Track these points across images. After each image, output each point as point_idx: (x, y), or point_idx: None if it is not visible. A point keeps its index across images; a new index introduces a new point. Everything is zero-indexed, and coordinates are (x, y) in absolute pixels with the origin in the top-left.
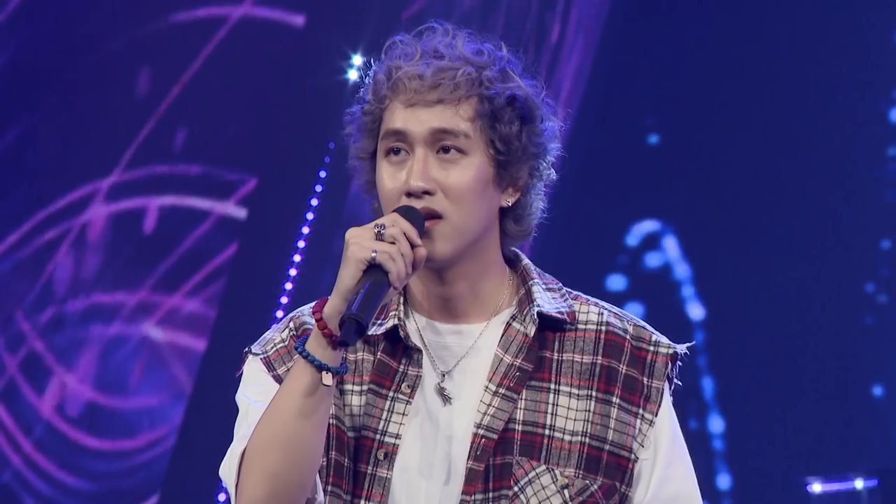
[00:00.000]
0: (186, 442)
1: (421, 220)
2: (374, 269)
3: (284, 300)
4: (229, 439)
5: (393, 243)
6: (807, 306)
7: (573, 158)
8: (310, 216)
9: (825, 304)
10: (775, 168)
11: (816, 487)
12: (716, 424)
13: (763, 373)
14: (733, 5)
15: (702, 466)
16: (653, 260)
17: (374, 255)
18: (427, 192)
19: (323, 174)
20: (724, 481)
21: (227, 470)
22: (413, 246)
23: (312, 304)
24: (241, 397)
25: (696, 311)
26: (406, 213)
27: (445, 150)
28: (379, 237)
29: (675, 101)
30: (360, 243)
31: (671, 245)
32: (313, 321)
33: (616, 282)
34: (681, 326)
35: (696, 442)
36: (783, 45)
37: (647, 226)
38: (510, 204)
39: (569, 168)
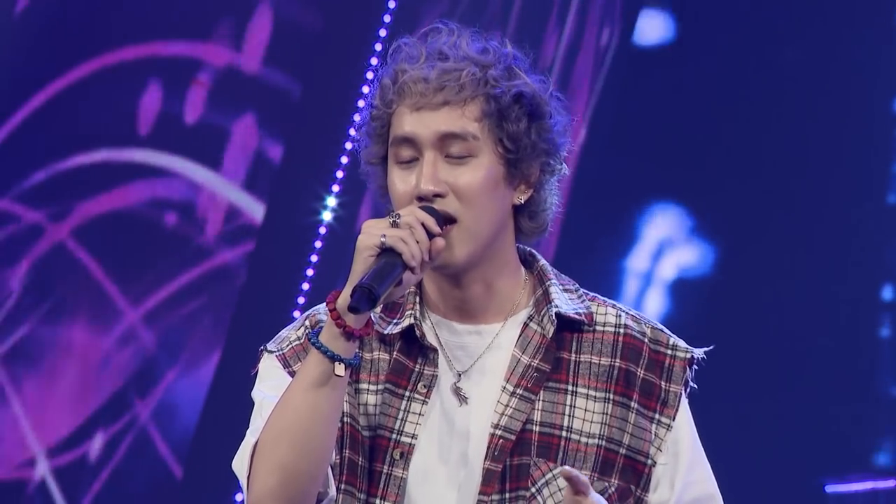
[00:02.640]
0: (202, 442)
1: (441, 217)
2: (386, 254)
3: (301, 300)
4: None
5: (408, 230)
6: (827, 306)
7: (591, 158)
8: (327, 216)
9: (841, 303)
10: (797, 167)
11: (833, 489)
12: (730, 425)
13: (778, 373)
14: (754, 4)
15: (717, 467)
16: (669, 260)
17: (383, 239)
18: (438, 195)
19: (340, 174)
20: (740, 482)
21: (240, 462)
22: (431, 236)
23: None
24: (256, 393)
25: (712, 311)
26: (425, 209)
27: (455, 153)
28: (394, 226)
29: (688, 103)
30: (370, 232)
31: (687, 245)
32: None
33: (632, 282)
34: (694, 328)
35: (709, 443)
36: (805, 42)
37: (661, 228)
38: (523, 201)
39: (586, 166)
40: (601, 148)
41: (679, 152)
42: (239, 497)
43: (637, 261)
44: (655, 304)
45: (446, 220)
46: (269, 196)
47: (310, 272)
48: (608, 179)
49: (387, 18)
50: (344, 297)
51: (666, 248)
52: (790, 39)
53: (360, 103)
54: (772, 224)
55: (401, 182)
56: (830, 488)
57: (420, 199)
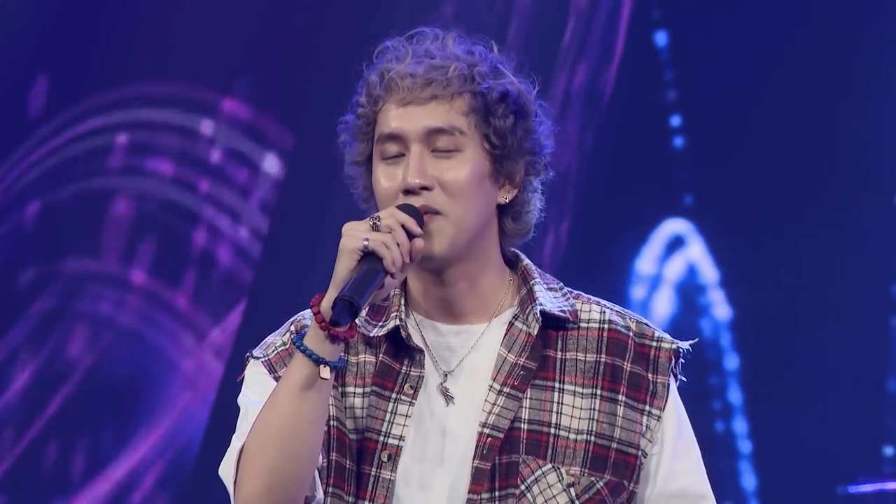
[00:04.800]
0: (210, 448)
1: (419, 216)
2: (368, 258)
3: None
4: None
5: (389, 233)
6: (836, 307)
7: (599, 159)
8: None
9: (854, 304)
10: (803, 168)
11: (843, 490)
12: (742, 426)
13: (791, 374)
14: (762, 6)
15: (728, 468)
16: (678, 261)
17: (365, 243)
18: (425, 188)
19: None
20: (750, 483)
21: (227, 467)
22: (412, 237)
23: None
24: (242, 398)
25: (722, 313)
26: (405, 209)
27: (441, 147)
28: (374, 228)
29: (702, 103)
30: (352, 234)
31: (697, 246)
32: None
33: (641, 283)
34: (703, 330)
35: (723, 443)
36: (814, 45)
37: (673, 227)
38: (507, 201)
39: (595, 169)
40: (610, 151)
41: (686, 154)
42: None
43: (645, 263)
44: (664, 307)
45: (431, 212)
46: (280, 189)
47: (320, 271)
48: (616, 182)
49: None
50: (328, 301)
51: (674, 250)
52: (796, 41)
53: None
54: (779, 224)
55: (386, 178)
56: (840, 489)
57: (406, 192)
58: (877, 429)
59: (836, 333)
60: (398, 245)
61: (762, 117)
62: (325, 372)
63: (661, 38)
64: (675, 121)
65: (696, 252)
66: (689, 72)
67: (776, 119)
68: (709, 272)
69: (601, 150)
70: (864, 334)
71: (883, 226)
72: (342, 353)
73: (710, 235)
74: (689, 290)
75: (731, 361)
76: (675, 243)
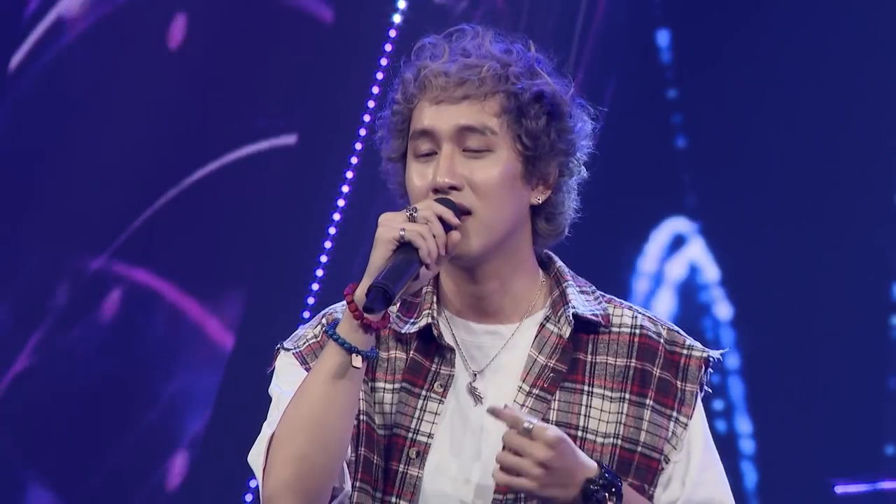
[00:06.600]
0: (213, 438)
1: (457, 209)
2: (404, 248)
3: (311, 300)
4: (254, 440)
5: (425, 224)
6: (837, 306)
7: (600, 157)
8: (336, 217)
9: (855, 302)
10: (804, 167)
11: (843, 489)
12: (743, 425)
13: (792, 373)
14: (763, 5)
15: (729, 467)
16: (680, 260)
17: (402, 233)
18: (454, 188)
19: (350, 175)
20: (751, 482)
21: (256, 455)
22: (448, 229)
23: (344, 300)
24: (273, 388)
25: (723, 311)
26: (442, 201)
27: (472, 147)
28: (411, 219)
29: (703, 102)
30: (389, 224)
31: (698, 245)
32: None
33: (642, 281)
34: (704, 329)
35: (724, 442)
36: (815, 45)
37: (674, 226)
38: (540, 202)
39: (596, 168)
40: (611, 150)
41: (687, 153)
42: (248, 498)
43: (646, 262)
44: (665, 306)
45: (462, 212)
46: (282, 182)
47: (319, 272)
48: (617, 181)
49: (401, 4)
50: (361, 288)
51: (675, 249)
52: (797, 40)
53: (375, 90)
54: (780, 225)
55: (418, 176)
56: (840, 488)
57: (436, 191)
58: (878, 428)
59: (837, 332)
60: (434, 236)
61: (763, 116)
62: (357, 361)
63: (662, 36)
64: (677, 119)
65: (698, 251)
66: (691, 70)
67: (777, 118)
68: (710, 271)
69: (602, 149)
70: (864, 333)
71: (883, 225)
72: (374, 345)
73: (712, 234)
74: (691, 289)
75: (732, 360)
76: (677, 242)
